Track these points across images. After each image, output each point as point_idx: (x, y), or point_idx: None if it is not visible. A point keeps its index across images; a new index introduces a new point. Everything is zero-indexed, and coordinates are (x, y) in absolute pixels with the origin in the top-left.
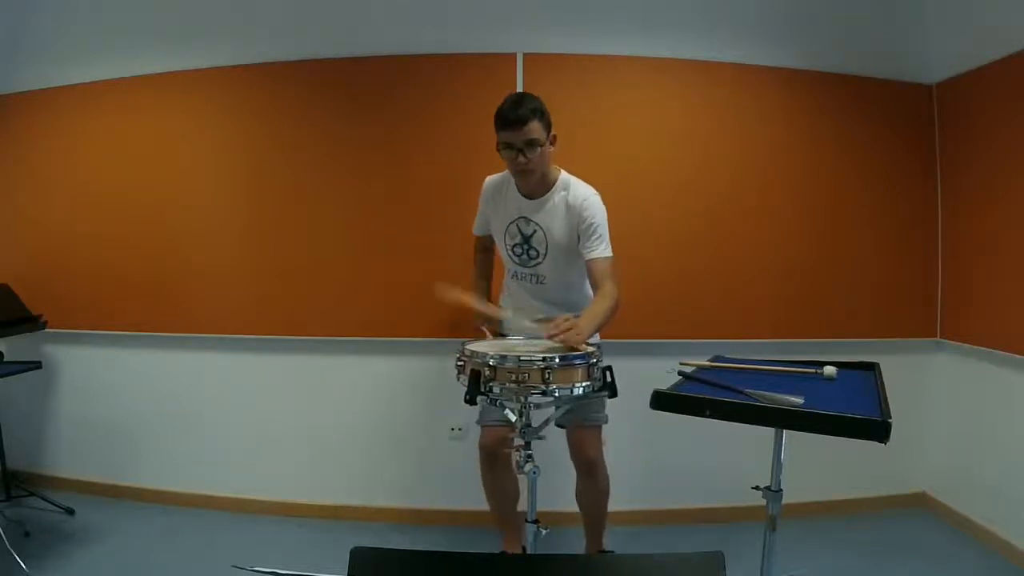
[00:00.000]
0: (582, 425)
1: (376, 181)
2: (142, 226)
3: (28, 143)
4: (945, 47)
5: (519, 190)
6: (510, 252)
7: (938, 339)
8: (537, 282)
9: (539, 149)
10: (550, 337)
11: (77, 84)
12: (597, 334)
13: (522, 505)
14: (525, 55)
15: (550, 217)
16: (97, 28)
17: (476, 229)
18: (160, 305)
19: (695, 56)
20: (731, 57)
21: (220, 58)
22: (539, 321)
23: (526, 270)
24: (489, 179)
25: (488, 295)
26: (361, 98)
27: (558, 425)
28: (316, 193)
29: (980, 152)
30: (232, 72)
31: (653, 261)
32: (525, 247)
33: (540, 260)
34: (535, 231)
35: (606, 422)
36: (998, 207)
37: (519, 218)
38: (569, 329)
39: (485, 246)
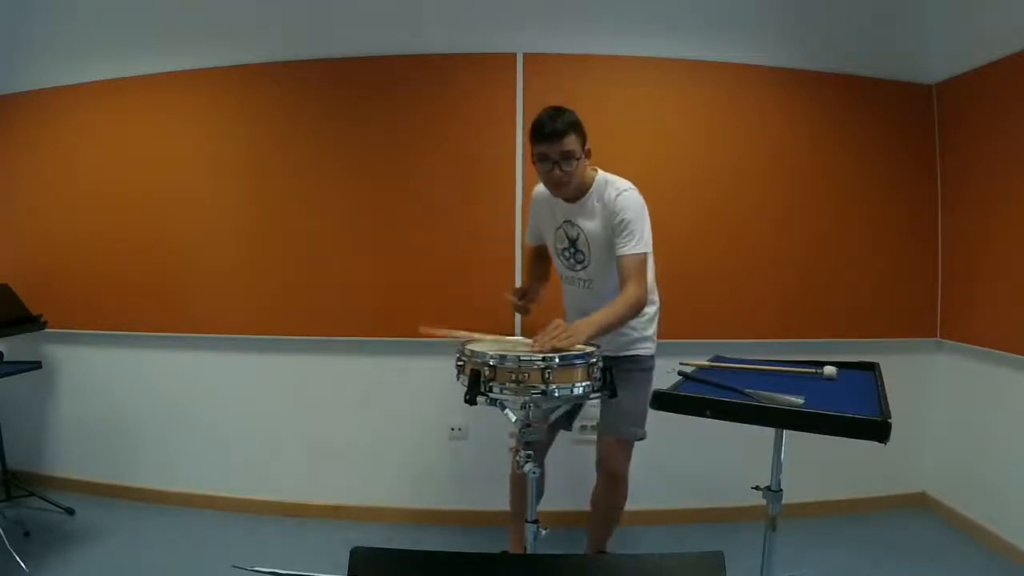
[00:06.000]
0: (614, 435)
1: (376, 181)
2: (142, 226)
3: (28, 143)
4: (945, 47)
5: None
6: (560, 257)
7: (938, 339)
8: (586, 287)
9: (575, 162)
10: (539, 350)
11: (76, 84)
12: (653, 344)
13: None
14: (525, 55)
15: (589, 218)
16: (96, 28)
17: (528, 238)
18: (160, 305)
19: (695, 56)
20: (731, 57)
21: (220, 58)
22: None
23: (574, 274)
24: (537, 187)
25: (543, 276)
26: (361, 98)
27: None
28: (316, 193)
29: (980, 152)
30: (232, 72)
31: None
32: (572, 251)
33: (586, 263)
34: (579, 234)
35: (642, 438)
36: (998, 207)
37: (564, 222)
38: (556, 336)
39: (538, 253)
